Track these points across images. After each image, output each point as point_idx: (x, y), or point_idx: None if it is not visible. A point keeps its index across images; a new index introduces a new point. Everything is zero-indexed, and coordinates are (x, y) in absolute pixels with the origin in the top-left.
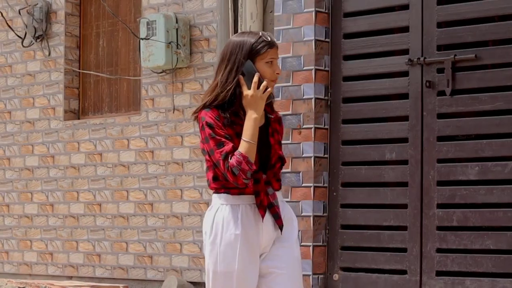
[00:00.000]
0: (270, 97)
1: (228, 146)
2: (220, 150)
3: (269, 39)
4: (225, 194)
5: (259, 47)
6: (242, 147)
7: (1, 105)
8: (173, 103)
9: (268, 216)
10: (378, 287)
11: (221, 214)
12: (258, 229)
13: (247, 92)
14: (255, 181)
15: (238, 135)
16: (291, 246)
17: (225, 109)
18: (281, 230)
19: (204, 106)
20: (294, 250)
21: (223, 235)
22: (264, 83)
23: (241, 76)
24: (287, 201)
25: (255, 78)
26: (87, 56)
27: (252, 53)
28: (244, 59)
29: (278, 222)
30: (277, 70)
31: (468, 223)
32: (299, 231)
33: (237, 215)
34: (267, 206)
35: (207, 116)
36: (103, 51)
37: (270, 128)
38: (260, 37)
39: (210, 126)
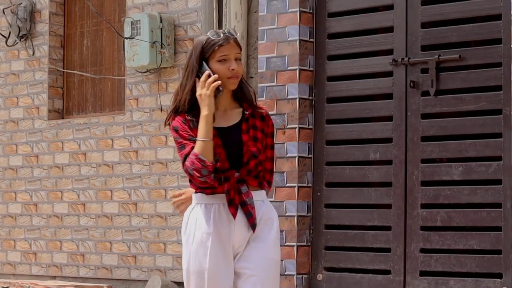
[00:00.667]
0: (218, 92)
1: (187, 148)
2: (181, 152)
3: (221, 36)
4: (200, 194)
5: (208, 47)
6: (196, 147)
7: None
8: (160, 102)
9: (240, 215)
10: (362, 287)
11: (195, 213)
12: (230, 228)
13: (197, 93)
14: (225, 179)
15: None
16: (265, 247)
17: (192, 112)
18: (253, 229)
19: (172, 112)
20: (268, 251)
21: (195, 234)
22: (209, 79)
23: (196, 79)
24: (271, 201)
25: (202, 77)
26: (71, 56)
27: (204, 54)
28: (197, 62)
29: (250, 220)
30: (231, 66)
31: (452, 223)
32: (282, 231)
33: (210, 214)
34: (239, 204)
35: (174, 120)
36: (88, 51)
37: (245, 125)
38: (209, 37)
39: (175, 130)
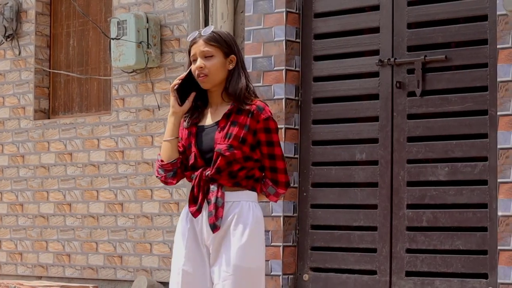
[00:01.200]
0: (176, 91)
1: None
2: None
3: (193, 37)
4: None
5: (188, 48)
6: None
7: None
8: (156, 100)
9: (205, 214)
10: (348, 287)
11: (183, 210)
12: (202, 227)
13: None
14: (192, 177)
15: (191, 134)
16: (232, 254)
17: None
18: (212, 229)
19: None
20: (236, 258)
21: (176, 232)
22: (176, 81)
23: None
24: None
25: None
26: (58, 56)
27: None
28: (188, 64)
29: (209, 220)
30: (195, 65)
31: (437, 224)
32: (268, 231)
33: (187, 212)
34: (203, 203)
35: None
36: (74, 51)
37: (224, 121)
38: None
39: None
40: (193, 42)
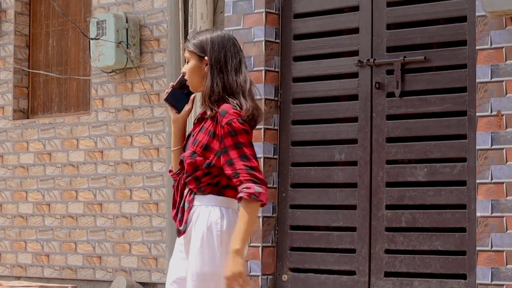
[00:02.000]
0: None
1: None
2: None
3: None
4: None
5: None
6: None
7: None
8: (149, 100)
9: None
10: (327, 287)
11: None
12: None
13: None
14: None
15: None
16: (190, 259)
17: None
18: (177, 233)
19: None
20: (191, 263)
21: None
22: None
23: None
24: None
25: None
26: (37, 56)
27: None
28: None
29: (176, 224)
30: (182, 70)
31: (416, 224)
32: None
33: None
34: (179, 206)
35: None
36: (53, 51)
37: (197, 127)
38: None
39: None
40: (186, 47)
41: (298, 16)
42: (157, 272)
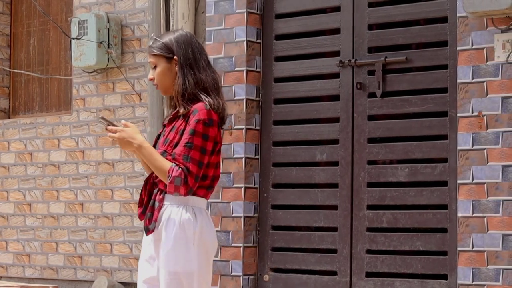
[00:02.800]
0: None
1: None
2: None
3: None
4: None
5: None
6: None
7: None
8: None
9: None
10: (308, 287)
11: None
12: None
13: None
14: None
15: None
16: (160, 257)
17: None
18: (145, 231)
19: None
20: (162, 261)
21: None
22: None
23: None
24: (218, 202)
25: None
26: (18, 55)
27: None
28: None
29: (144, 222)
30: (148, 77)
31: (397, 225)
32: (229, 232)
33: None
34: (146, 204)
35: None
36: (34, 50)
37: (169, 126)
38: None
39: None
40: (148, 53)
41: (280, 16)
42: None
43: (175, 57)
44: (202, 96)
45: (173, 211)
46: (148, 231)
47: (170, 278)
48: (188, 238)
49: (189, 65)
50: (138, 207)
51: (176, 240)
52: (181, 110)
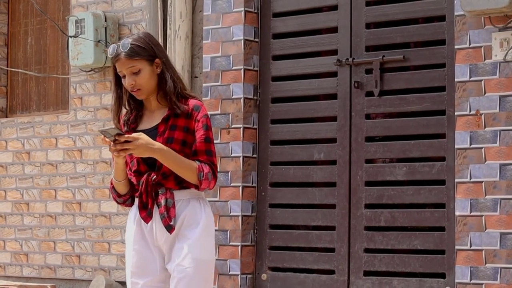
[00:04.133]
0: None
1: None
2: None
3: (114, 51)
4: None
5: (112, 64)
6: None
7: None
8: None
9: (157, 217)
10: (306, 286)
11: (130, 213)
12: (152, 228)
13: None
14: (139, 183)
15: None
16: (188, 247)
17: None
18: (168, 230)
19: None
20: (191, 251)
21: (126, 234)
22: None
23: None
24: (216, 201)
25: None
26: (15, 54)
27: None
28: (113, 75)
29: (163, 222)
30: (125, 83)
31: (395, 223)
32: (227, 231)
33: (134, 215)
34: (152, 207)
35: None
36: (32, 49)
37: (163, 126)
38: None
39: None
40: (116, 59)
41: (277, 15)
42: None
43: (157, 59)
44: (188, 93)
45: (195, 205)
46: (171, 228)
47: (200, 265)
48: (212, 229)
49: (168, 65)
50: (141, 211)
51: (205, 231)
52: (178, 110)
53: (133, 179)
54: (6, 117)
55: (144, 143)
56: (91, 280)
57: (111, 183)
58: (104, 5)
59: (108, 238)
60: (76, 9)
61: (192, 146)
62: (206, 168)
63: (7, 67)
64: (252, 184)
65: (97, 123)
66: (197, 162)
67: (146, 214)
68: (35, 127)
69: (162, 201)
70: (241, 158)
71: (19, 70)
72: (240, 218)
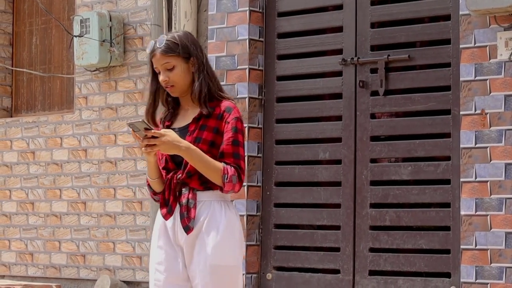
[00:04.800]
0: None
1: None
2: None
3: (150, 48)
4: None
5: (149, 60)
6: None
7: None
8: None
9: (177, 216)
10: (311, 286)
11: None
12: (174, 227)
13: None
14: (167, 180)
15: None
16: (207, 253)
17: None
18: (186, 231)
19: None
20: (210, 257)
21: (153, 231)
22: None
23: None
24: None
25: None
26: (20, 54)
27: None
28: (150, 71)
29: (182, 222)
30: (160, 79)
31: (400, 223)
32: None
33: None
34: (174, 205)
35: None
36: (36, 49)
37: (193, 125)
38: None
39: None
40: (152, 55)
41: (282, 14)
42: (141, 271)
43: (193, 58)
44: (222, 94)
45: (216, 207)
46: (189, 229)
47: (220, 272)
48: (234, 233)
49: (204, 65)
50: (162, 207)
51: (225, 235)
52: (205, 111)
53: (163, 177)
54: (11, 116)
55: (170, 140)
56: (96, 280)
57: (147, 181)
58: (109, 5)
59: (113, 237)
60: (81, 9)
61: (219, 147)
62: (231, 171)
63: (12, 66)
64: (257, 183)
65: (102, 122)
66: (223, 164)
67: (166, 211)
68: (40, 126)
69: (184, 201)
70: (246, 158)
71: (24, 70)
72: (245, 217)
